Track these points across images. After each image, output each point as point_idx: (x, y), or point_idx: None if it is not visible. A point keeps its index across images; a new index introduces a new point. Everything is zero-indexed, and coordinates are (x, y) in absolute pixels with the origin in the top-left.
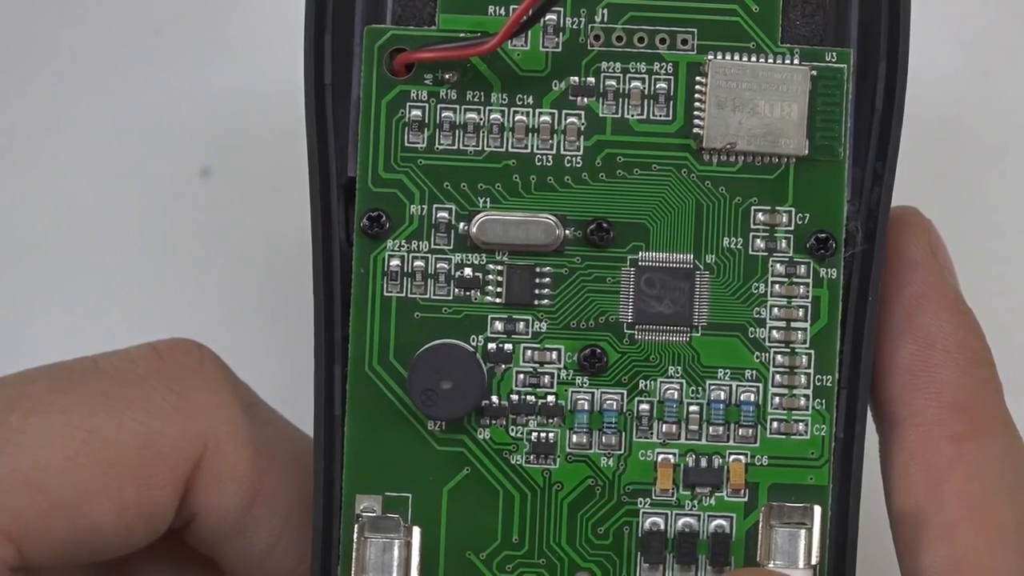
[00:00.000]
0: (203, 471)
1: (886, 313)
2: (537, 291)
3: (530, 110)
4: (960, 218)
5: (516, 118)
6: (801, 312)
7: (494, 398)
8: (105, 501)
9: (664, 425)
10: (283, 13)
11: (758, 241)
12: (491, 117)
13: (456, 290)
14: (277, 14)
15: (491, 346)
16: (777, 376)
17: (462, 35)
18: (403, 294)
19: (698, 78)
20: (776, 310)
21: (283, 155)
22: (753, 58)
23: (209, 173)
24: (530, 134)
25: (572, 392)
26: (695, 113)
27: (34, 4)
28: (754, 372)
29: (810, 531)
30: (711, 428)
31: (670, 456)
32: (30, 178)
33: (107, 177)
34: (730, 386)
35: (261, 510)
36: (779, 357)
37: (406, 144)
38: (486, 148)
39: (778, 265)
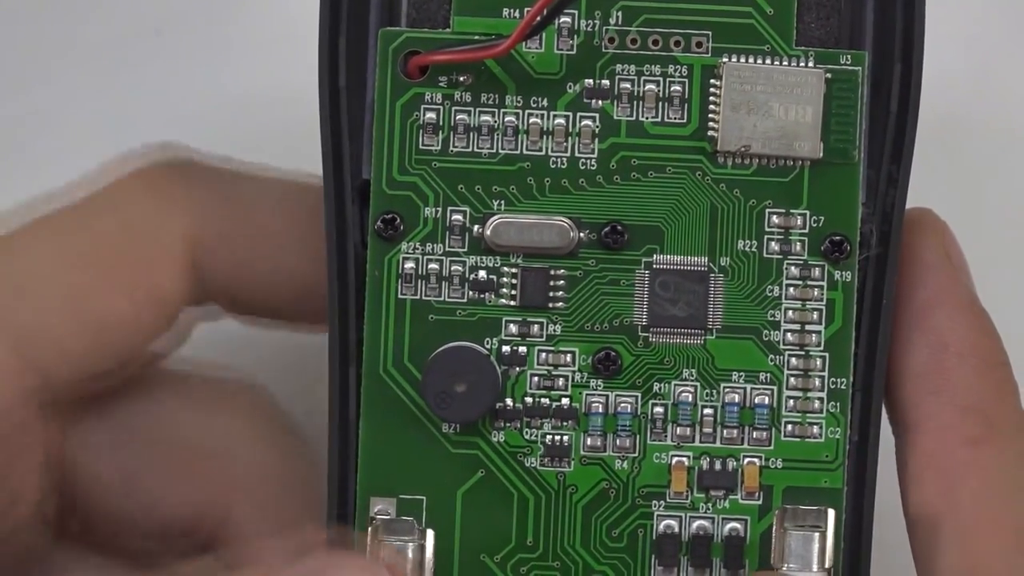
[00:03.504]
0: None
1: (900, 316)
2: (551, 294)
3: (544, 112)
4: (964, 217)
5: (530, 120)
6: (815, 315)
7: (508, 401)
8: (108, 291)
9: (678, 428)
10: (285, 13)
11: (772, 244)
12: (505, 120)
13: (470, 292)
14: (279, 14)
15: (505, 349)
16: (791, 379)
17: (476, 38)
18: (417, 296)
19: (712, 80)
20: (790, 313)
21: (283, 155)
22: (767, 60)
23: None
24: (544, 136)
25: (586, 395)
26: (709, 116)
27: (34, 4)
28: (768, 375)
29: (824, 534)
30: (725, 431)
31: (684, 459)
32: (30, 178)
33: None
34: (744, 389)
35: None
36: (793, 360)
37: (420, 146)
38: (500, 150)
39: (792, 268)
